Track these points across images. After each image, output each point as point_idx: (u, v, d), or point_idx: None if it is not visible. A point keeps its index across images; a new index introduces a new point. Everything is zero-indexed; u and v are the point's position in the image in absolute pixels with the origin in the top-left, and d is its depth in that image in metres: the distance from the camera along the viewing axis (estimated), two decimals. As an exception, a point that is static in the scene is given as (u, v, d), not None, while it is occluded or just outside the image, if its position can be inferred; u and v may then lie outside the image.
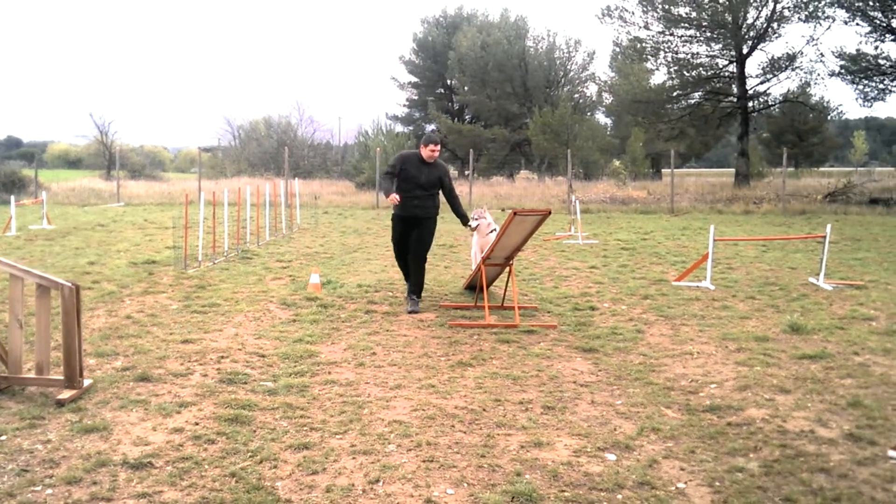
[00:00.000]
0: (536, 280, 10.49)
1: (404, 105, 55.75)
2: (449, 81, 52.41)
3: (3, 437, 4.47)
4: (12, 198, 18.17)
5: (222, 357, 6.33)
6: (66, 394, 5.19)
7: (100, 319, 7.74)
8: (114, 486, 3.83)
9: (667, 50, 35.45)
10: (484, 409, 5.10)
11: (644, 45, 35.55)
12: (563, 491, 3.85)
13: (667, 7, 33.96)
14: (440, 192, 8.46)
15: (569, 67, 47.96)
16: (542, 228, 18.44)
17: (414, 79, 54.51)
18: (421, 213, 8.30)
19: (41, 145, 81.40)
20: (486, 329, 7.51)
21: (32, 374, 5.44)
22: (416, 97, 54.84)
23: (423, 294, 8.75)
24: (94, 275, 10.54)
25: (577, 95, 47.69)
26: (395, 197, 8.08)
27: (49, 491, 3.77)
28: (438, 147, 8.22)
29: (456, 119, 51.40)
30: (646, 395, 5.44)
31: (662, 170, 47.13)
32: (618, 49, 39.29)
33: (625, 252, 13.87)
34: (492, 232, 8.82)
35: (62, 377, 5.32)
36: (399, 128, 48.61)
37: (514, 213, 7.47)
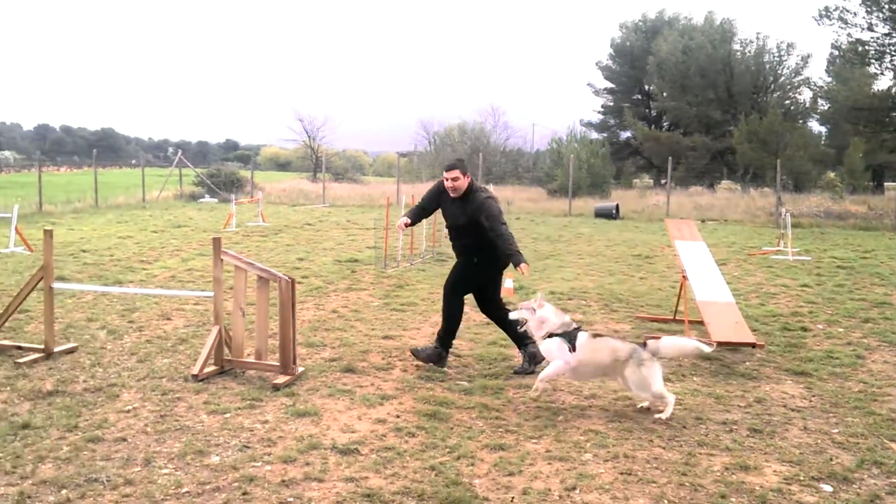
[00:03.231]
0: (741, 296, 9.91)
1: (599, 111, 54.96)
2: (647, 87, 51.04)
3: (228, 415, 4.90)
4: (233, 196, 19.93)
5: (420, 354, 6.53)
6: (280, 379, 5.60)
7: (309, 312, 8.27)
8: (324, 468, 4.08)
9: (893, 53, 32.27)
10: (684, 427, 4.89)
11: (867, 48, 32.61)
12: (773, 521, 3.61)
13: (895, 7, 30.94)
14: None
15: (779, 72, 45.00)
16: (748, 242, 17.46)
17: (610, 84, 53.62)
18: (458, 253, 6.59)
19: (255, 148, 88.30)
20: (686, 344, 7.21)
21: (252, 359, 5.92)
22: (611, 103, 53.86)
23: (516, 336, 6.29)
24: (303, 270, 11.31)
25: (787, 102, 44.63)
26: (400, 223, 6.46)
27: (268, 468, 4.08)
28: (455, 173, 6.15)
29: (653, 126, 49.89)
30: (867, 426, 4.97)
31: (885, 183, 42.91)
32: (837, 52, 36.32)
33: (841, 271, 12.76)
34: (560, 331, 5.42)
35: (278, 363, 5.74)
36: (593, 135, 47.92)
37: None
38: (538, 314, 5.43)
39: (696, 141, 43.40)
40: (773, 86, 45.17)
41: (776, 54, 44.76)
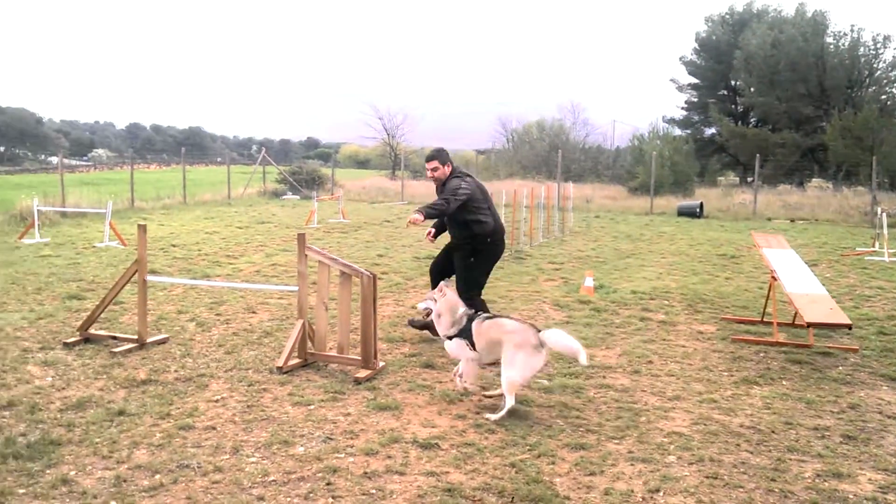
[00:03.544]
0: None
1: (683, 107, 53.55)
2: (733, 82, 49.45)
3: (311, 407, 5.00)
4: (314, 193, 20.31)
5: (500, 351, 6.52)
6: (362, 373, 5.68)
7: (389, 308, 8.37)
8: (405, 461, 4.13)
9: None
10: (773, 431, 4.73)
11: (973, 37, 30.77)
12: (870, 532, 3.45)
13: None
14: (474, 217, 6.52)
15: (875, 66, 42.95)
16: (840, 242, 16.76)
17: (694, 80, 52.18)
18: (455, 245, 6.86)
19: (335, 146, 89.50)
20: (774, 347, 6.97)
21: (334, 353, 6.03)
22: (695, 99, 52.44)
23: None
24: (382, 266, 11.45)
25: (884, 96, 42.56)
26: (416, 217, 6.17)
27: (351, 459, 4.15)
28: (434, 163, 6.55)
29: (739, 122, 48.34)
30: (973, 438, 4.70)
31: None
32: (938, 43, 34.34)
33: (942, 273, 12.11)
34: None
35: (359, 358, 5.82)
36: (676, 131, 46.78)
37: None
38: (447, 298, 5.36)
39: (784, 137, 41.84)
40: (868, 80, 43.14)
41: (872, 47, 42.73)
